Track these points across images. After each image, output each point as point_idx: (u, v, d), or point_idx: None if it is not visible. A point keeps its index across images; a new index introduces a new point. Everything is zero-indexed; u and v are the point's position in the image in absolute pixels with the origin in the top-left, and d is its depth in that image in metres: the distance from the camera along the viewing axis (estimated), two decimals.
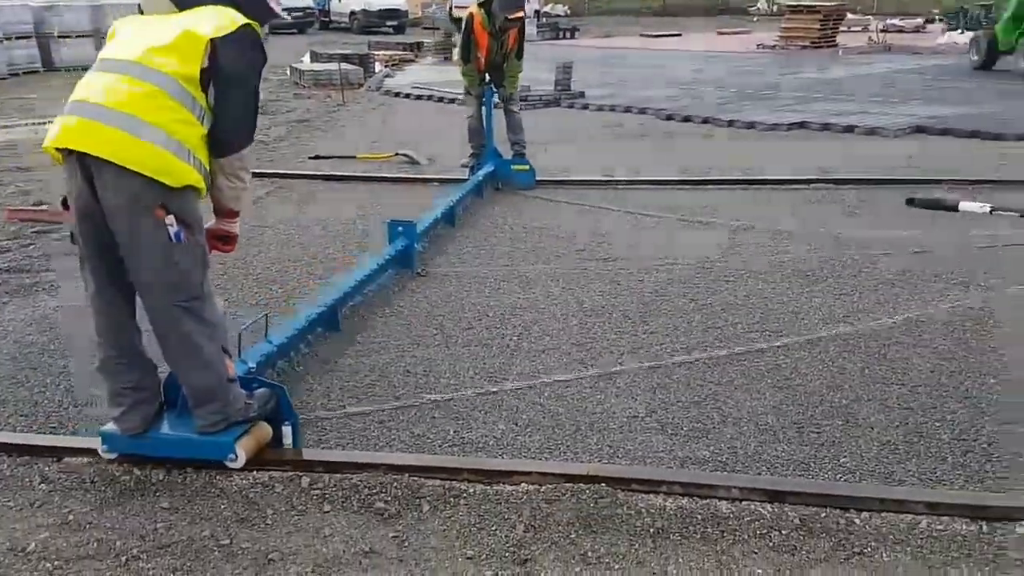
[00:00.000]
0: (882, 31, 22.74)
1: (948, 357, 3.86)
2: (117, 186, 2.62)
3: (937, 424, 3.29)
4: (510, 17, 7.08)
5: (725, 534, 2.61)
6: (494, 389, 3.63)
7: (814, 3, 21.81)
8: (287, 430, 3.06)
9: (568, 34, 27.22)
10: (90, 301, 2.89)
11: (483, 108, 7.47)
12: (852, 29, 24.32)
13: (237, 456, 2.92)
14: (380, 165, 8.43)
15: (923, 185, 7.07)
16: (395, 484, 2.85)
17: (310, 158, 8.69)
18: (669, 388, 3.63)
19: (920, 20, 25.09)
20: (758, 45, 21.85)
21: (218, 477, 2.92)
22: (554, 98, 12.77)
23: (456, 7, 28.03)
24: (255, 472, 2.94)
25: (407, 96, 13.91)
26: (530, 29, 22.23)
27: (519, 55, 7.41)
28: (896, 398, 3.50)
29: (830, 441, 3.18)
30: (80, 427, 3.34)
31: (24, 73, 17.60)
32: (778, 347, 4.00)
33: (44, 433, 3.31)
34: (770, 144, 9.43)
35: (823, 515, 2.68)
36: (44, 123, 11.49)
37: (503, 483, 2.87)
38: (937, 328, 4.18)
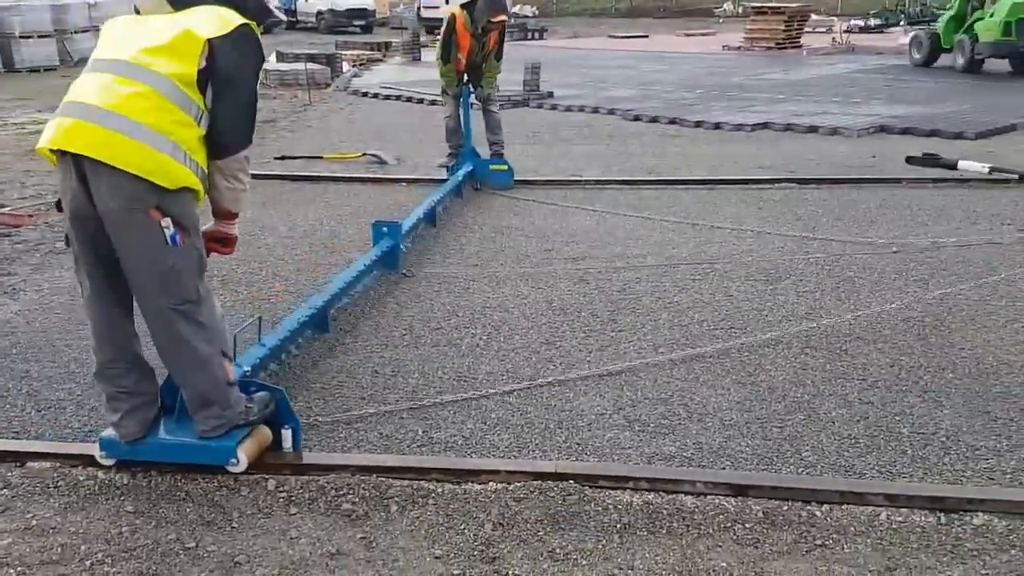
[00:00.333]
0: (845, 32, 23.08)
1: (907, 352, 3.94)
2: (112, 188, 2.58)
3: (897, 418, 3.36)
4: (493, 20, 7.09)
5: (690, 528, 2.65)
6: (463, 388, 3.64)
7: (779, 4, 22.08)
8: (287, 434, 3.02)
9: (536, 35, 27.29)
10: (86, 305, 2.85)
11: (461, 108, 7.49)
12: (817, 30, 24.64)
13: (239, 460, 2.87)
14: (348, 165, 8.41)
15: (885, 184, 7.22)
16: (363, 485, 2.85)
17: (276, 159, 8.62)
18: (636, 385, 3.66)
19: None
20: (724, 46, 22.08)
21: (183, 480, 2.90)
22: (523, 98, 12.80)
23: (424, 7, 28.06)
24: (220, 475, 2.92)
25: (375, 96, 13.87)
26: None
27: (498, 56, 7.44)
28: (857, 393, 3.57)
29: (792, 436, 3.24)
30: (43, 431, 3.30)
31: None
32: (742, 344, 4.06)
33: (6, 438, 3.26)
34: (736, 144, 9.53)
35: (785, 508, 2.73)
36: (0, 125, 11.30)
37: (472, 482, 2.89)
38: (897, 324, 4.26)
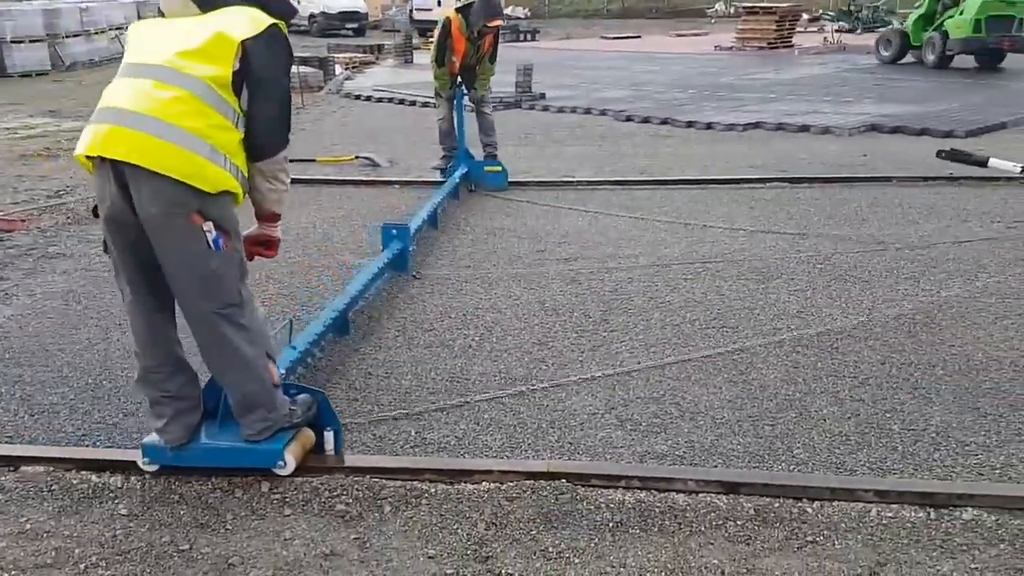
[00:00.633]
0: (836, 31, 23.16)
1: (898, 350, 3.97)
2: (153, 193, 2.54)
3: (887, 415, 3.38)
4: (489, 24, 7.11)
5: (682, 526, 2.66)
6: (457, 389, 3.65)
7: (770, 4, 22.14)
8: (329, 436, 3.01)
9: (529, 36, 27.31)
10: (127, 311, 2.83)
11: (454, 110, 7.50)
12: (808, 30, 24.72)
13: (286, 463, 2.86)
14: (341, 168, 8.41)
15: (876, 183, 7.26)
16: (356, 486, 2.86)
17: None
18: (628, 385, 3.68)
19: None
20: (716, 46, 22.12)
21: (176, 483, 2.90)
22: (515, 100, 12.82)
23: (417, 9, 28.05)
24: (213, 477, 2.93)
25: (368, 99, 13.87)
26: None
27: (492, 59, 7.47)
28: (848, 390, 3.59)
29: (784, 433, 3.25)
30: (37, 436, 3.31)
31: None
32: (734, 343, 4.08)
33: None
34: (727, 144, 9.57)
35: (777, 505, 2.75)
36: None
37: (464, 482, 2.90)
38: (888, 322, 4.29)
